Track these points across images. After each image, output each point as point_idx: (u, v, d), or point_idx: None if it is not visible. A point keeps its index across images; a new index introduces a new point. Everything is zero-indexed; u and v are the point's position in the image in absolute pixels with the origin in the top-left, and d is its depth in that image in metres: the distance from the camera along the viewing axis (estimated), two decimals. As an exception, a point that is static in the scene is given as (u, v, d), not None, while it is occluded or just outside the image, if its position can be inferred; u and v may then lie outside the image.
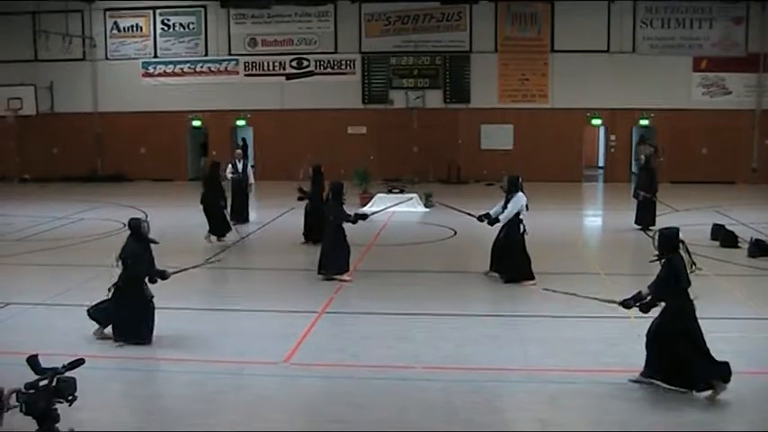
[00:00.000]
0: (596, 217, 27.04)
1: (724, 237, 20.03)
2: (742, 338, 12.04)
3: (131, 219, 12.08)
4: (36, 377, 5.24)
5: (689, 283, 9.76)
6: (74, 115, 36.73)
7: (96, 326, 12.00)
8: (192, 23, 36.38)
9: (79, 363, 5.56)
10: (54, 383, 5.24)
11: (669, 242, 9.78)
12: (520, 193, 15.85)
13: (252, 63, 36.25)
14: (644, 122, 35.36)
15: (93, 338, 11.92)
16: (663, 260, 9.78)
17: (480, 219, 16.03)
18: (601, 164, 39.44)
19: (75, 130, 36.82)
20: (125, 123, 36.59)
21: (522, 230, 15.75)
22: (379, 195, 27.34)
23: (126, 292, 11.70)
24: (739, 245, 19.56)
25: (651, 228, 21.74)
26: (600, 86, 34.84)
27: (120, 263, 11.75)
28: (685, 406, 9.44)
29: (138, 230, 11.82)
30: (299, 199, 20.65)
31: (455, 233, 22.07)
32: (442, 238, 21.38)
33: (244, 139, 37.23)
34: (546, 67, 35.37)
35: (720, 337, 12.00)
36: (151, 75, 36.63)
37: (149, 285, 11.79)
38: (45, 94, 36.45)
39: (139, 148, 36.59)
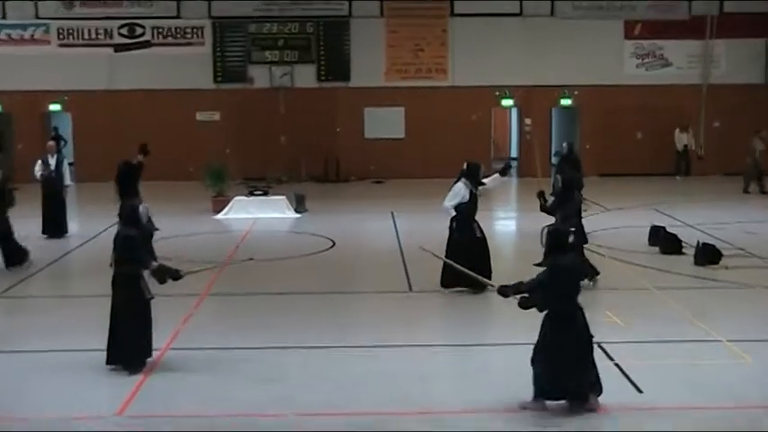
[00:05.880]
0: (509, 220, 27.40)
1: (665, 241, 20.54)
2: (690, 364, 12.35)
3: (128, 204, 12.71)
4: None
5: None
6: None
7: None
8: (-12, -22, 35.44)
9: None
10: None
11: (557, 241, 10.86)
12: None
13: (68, 30, 35.45)
14: (566, 102, 36.05)
15: None
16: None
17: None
18: (514, 154, 40.01)
19: None
20: None
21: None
22: (237, 199, 27.08)
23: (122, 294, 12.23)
24: (683, 251, 20.12)
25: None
26: (512, 59, 35.32)
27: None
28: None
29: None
30: None
31: (334, 244, 22.05)
32: (319, 251, 21.33)
33: (57, 129, 36.38)
34: (445, 35, 35.70)
35: (665, 364, 12.30)
36: (-66, 46, 35.50)
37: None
38: None
39: None
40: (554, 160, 31.02)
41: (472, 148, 35.01)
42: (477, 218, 16.93)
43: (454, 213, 16.72)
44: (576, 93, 35.76)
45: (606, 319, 14.73)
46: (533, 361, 10.62)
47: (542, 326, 10.61)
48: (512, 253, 22.08)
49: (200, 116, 35.65)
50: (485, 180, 17.16)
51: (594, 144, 35.30)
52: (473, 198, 16.74)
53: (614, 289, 17.10)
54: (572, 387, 10.51)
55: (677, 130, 35.03)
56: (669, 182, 33.67)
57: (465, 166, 17.04)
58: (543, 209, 17.54)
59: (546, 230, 11.02)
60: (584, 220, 20.27)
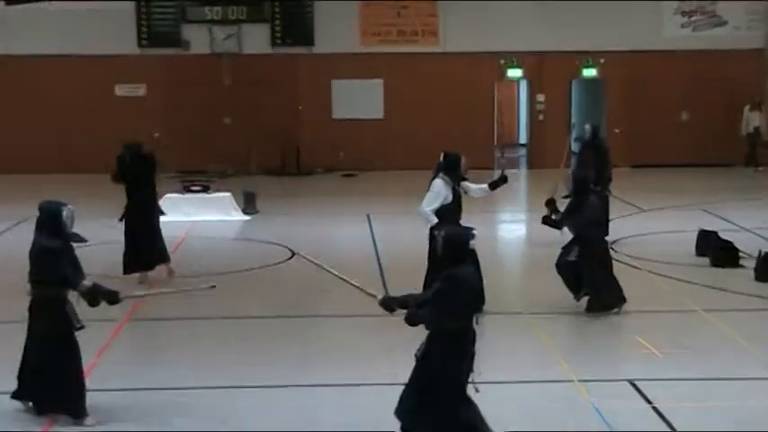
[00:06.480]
0: (517, 224, 27.41)
1: (717, 250, 20.59)
2: (748, 408, 12.40)
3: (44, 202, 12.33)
4: None
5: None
6: None
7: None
8: None
9: None
10: None
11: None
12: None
13: (-53, -21, 35.41)
14: (589, 73, 36.11)
15: None
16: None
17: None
18: (523, 140, 40.03)
19: None
20: None
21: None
22: (168, 197, 26.99)
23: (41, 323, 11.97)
24: (741, 263, 20.18)
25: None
26: (520, 18, 35.46)
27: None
28: None
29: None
30: None
31: (292, 254, 22.01)
32: (273, 263, 21.30)
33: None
34: (434, -12, 35.84)
35: (716, 408, 12.33)
36: None
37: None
38: None
39: None
40: (574, 147, 31.09)
41: (468, 132, 35.14)
42: (466, 221, 16.84)
43: (436, 220, 16.48)
44: (602, 61, 35.88)
45: (641, 348, 14.80)
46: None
47: (427, 342, 10.75)
48: (518, 267, 22.09)
49: (120, 90, 35.63)
50: (471, 185, 17.09)
51: (626, 127, 35.42)
52: (456, 197, 16.63)
53: (651, 311, 17.15)
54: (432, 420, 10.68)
55: (746, 108, 35.22)
56: (722, 174, 33.74)
57: (441, 157, 16.87)
58: (547, 221, 17.42)
59: (441, 236, 10.99)
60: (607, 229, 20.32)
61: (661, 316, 16.88)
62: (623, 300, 16.81)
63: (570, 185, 17.31)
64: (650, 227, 24.41)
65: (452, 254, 10.71)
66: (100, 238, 23.50)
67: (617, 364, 14.29)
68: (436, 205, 16.31)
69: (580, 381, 13.36)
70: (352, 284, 12.07)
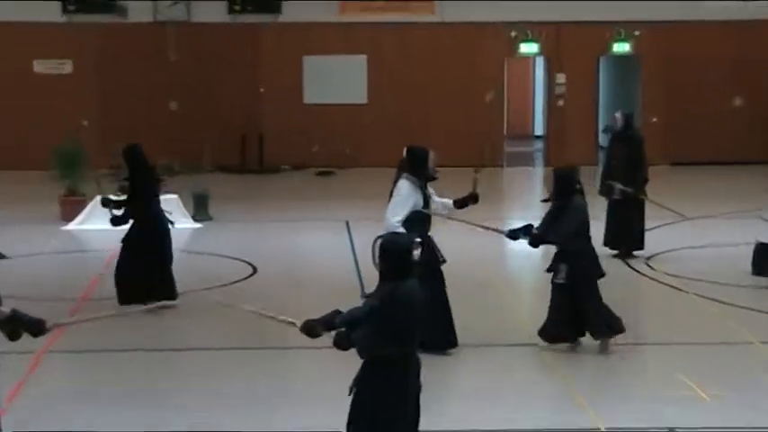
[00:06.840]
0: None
1: (776, 267, 20.68)
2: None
3: None
4: None
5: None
6: None
7: None
8: None
9: None
10: None
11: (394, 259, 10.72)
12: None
13: None
14: (621, 48, 36.15)
15: None
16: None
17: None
18: (539, 131, 40.07)
19: None
20: None
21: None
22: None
23: None
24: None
25: (636, 252, 22.19)
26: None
27: None
28: None
29: None
30: None
31: (254, 271, 22.01)
32: (230, 282, 21.27)
33: None
34: (430, -56, 35.92)
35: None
36: None
37: None
38: None
39: None
40: (602, 139, 31.05)
41: (472, 121, 35.24)
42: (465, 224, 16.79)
43: (402, 232, 16.21)
44: (636, 33, 35.92)
45: (683, 389, 14.76)
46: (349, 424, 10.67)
47: (360, 372, 10.61)
48: (531, 288, 22.06)
49: (39, 66, 35.63)
50: (435, 197, 16.75)
51: (665, 115, 35.50)
52: (426, 202, 16.40)
53: (695, 343, 17.14)
54: None
55: None
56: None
57: (404, 152, 16.73)
58: (535, 242, 17.18)
59: (378, 244, 10.89)
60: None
61: (708, 349, 16.85)
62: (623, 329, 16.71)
63: (551, 186, 16.92)
64: (696, 239, 24.45)
65: (392, 265, 10.55)
66: (14, 247, 23.63)
67: (653, 408, 14.17)
68: (406, 213, 16.00)
69: (608, 429, 13.35)
70: (264, 315, 11.82)
